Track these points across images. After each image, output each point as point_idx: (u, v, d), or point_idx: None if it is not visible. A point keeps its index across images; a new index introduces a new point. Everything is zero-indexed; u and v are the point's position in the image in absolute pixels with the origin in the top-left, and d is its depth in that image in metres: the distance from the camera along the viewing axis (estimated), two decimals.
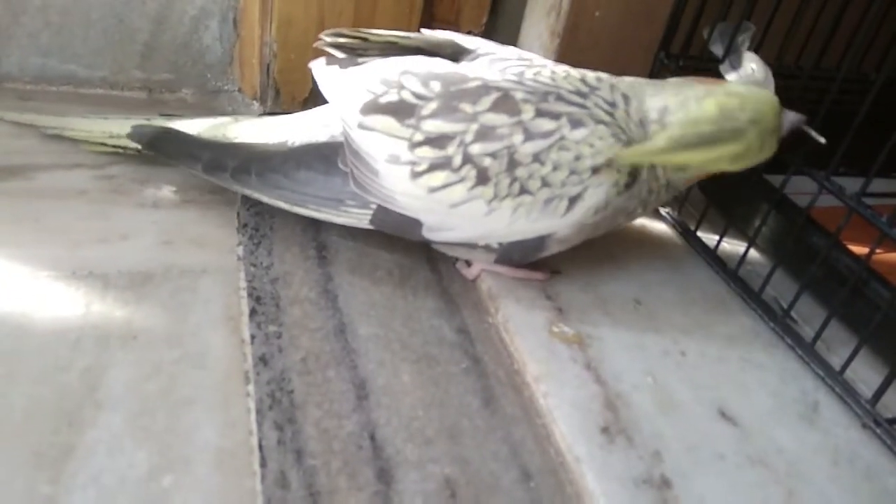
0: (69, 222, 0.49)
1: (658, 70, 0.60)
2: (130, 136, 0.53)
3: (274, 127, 0.52)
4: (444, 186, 0.44)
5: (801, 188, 0.52)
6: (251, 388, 0.40)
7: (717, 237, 0.58)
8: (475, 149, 0.43)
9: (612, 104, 0.44)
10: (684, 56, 0.60)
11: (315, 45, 0.50)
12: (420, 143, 0.44)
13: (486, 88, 0.44)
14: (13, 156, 0.55)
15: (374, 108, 0.45)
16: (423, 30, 0.50)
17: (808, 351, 0.49)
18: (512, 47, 0.49)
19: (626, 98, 0.45)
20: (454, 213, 0.45)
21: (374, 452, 0.38)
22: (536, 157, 0.42)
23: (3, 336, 0.40)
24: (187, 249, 0.49)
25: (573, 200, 0.43)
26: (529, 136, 0.42)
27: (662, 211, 0.63)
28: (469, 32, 0.71)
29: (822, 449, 0.43)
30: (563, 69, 0.46)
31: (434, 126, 0.43)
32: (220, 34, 0.68)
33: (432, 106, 0.44)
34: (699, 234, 0.60)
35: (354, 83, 0.47)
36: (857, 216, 0.46)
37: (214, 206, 0.54)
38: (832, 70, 0.63)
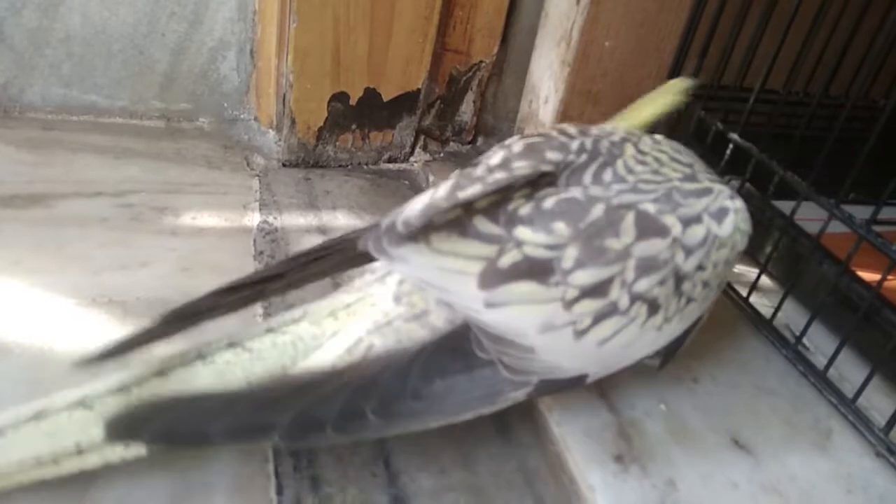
0: (90, 250, 0.50)
1: None
2: (110, 435, 0.35)
3: (334, 336, 0.39)
4: (616, 333, 0.38)
5: (812, 214, 0.53)
6: None
7: None
8: (642, 285, 0.37)
9: (691, 166, 0.42)
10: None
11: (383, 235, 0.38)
12: (576, 299, 0.37)
13: (613, 211, 0.38)
14: (36, 184, 0.56)
15: (498, 277, 0.36)
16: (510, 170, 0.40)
17: (820, 378, 0.49)
18: (572, 129, 0.43)
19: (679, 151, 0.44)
20: (625, 353, 0.40)
21: (389, 480, 0.39)
22: (700, 267, 0.39)
23: (24, 364, 0.41)
24: (205, 276, 0.50)
25: (721, 284, 0.42)
26: (689, 250, 0.38)
27: None
28: (480, 62, 0.72)
29: (835, 477, 0.43)
30: (630, 151, 0.41)
31: (588, 276, 0.37)
32: (238, 65, 0.69)
33: (573, 253, 0.37)
34: None
35: (440, 254, 0.37)
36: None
37: (231, 233, 0.54)
38: (841, 98, 0.64)
